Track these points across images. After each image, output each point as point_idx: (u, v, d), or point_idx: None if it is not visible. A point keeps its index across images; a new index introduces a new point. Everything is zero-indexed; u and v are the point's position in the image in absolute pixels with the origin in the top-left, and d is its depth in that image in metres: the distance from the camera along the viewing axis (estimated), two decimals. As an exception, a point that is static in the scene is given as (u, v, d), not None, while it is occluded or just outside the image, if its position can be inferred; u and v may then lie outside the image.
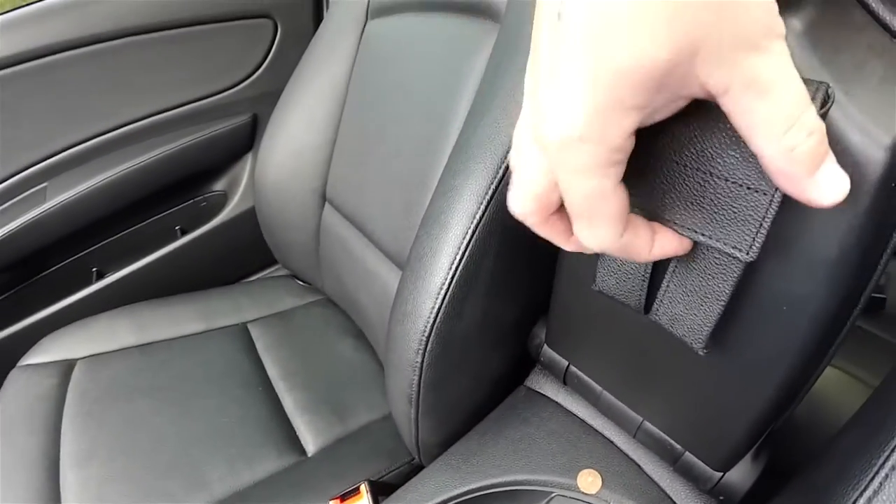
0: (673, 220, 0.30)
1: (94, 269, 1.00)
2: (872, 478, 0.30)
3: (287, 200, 0.88)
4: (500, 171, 0.48)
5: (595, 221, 0.23)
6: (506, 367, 0.61)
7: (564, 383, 0.56)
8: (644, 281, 0.38)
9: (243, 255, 1.06)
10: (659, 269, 0.37)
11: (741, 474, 0.47)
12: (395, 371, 0.53)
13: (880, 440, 0.32)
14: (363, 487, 0.58)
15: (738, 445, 0.45)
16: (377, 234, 0.73)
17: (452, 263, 0.48)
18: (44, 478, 0.69)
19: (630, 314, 0.41)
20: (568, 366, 0.54)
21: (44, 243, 0.92)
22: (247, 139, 1.01)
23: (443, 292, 0.49)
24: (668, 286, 0.36)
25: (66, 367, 0.82)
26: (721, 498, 0.48)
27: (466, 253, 0.48)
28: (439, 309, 0.49)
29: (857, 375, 0.80)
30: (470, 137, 0.51)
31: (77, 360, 0.84)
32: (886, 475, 0.30)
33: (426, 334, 0.49)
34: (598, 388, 0.52)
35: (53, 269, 0.99)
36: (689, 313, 0.36)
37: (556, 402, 0.59)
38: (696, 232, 0.30)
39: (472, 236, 0.48)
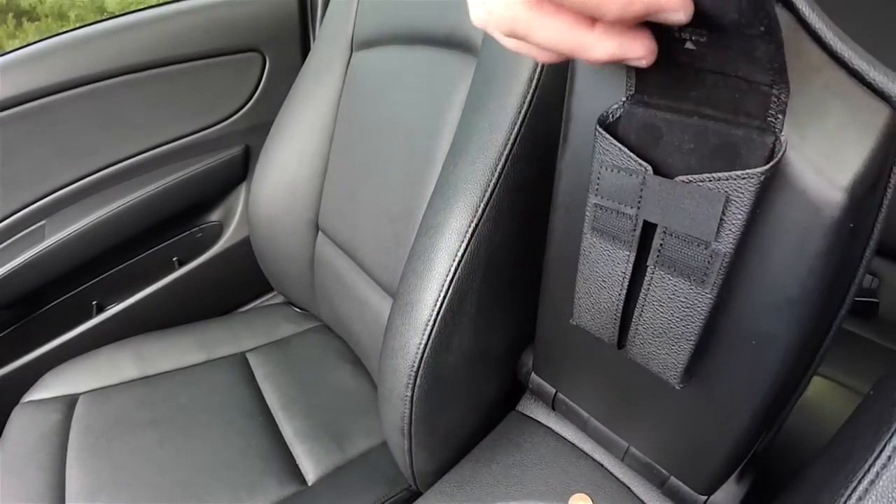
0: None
1: (94, 303, 1.02)
2: None
3: (281, 231, 0.89)
4: (480, 209, 0.50)
5: None
6: (496, 395, 0.62)
7: (553, 409, 0.58)
8: (616, 318, 0.39)
9: (240, 283, 1.08)
10: (631, 307, 0.38)
11: (725, 497, 0.48)
12: (388, 404, 0.55)
13: (847, 471, 0.33)
14: (360, 518, 0.59)
15: (720, 470, 0.46)
16: (368, 265, 0.74)
17: (437, 300, 0.50)
18: (51, 517, 0.70)
19: (609, 346, 0.42)
20: (556, 393, 0.55)
21: (44, 280, 0.94)
22: (240, 170, 1.03)
23: (429, 328, 0.50)
24: (636, 328, 0.37)
25: (70, 403, 0.84)
26: None
27: (450, 289, 0.50)
28: (426, 344, 0.50)
29: (850, 385, 0.81)
30: (449, 175, 0.53)
31: (80, 394, 0.85)
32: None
33: (415, 369, 0.51)
34: (585, 414, 0.53)
35: (54, 304, 1.01)
36: (662, 352, 0.37)
37: (548, 427, 0.60)
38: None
39: (455, 273, 0.49)
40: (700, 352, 0.37)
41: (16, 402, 0.86)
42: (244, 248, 1.01)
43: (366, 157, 0.75)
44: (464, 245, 0.49)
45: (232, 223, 1.05)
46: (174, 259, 1.03)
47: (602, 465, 0.57)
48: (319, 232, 0.87)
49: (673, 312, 0.34)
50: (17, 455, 0.78)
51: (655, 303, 0.35)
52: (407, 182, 0.67)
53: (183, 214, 1.01)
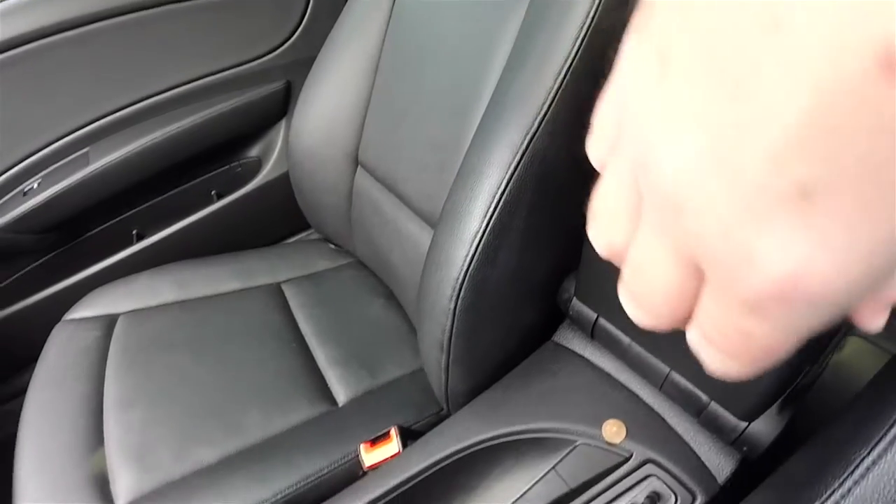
0: None
1: (135, 232, 1.04)
2: (856, 467, 0.31)
3: (320, 165, 0.90)
4: (535, 125, 0.49)
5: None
6: (535, 321, 0.62)
7: (592, 337, 0.58)
8: None
9: (277, 219, 1.09)
10: None
11: (765, 426, 0.48)
12: (429, 318, 0.55)
13: (869, 432, 0.32)
14: (393, 432, 0.60)
15: (763, 395, 0.45)
16: (409, 195, 0.75)
17: (487, 212, 0.50)
18: (89, 421, 0.72)
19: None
20: (597, 318, 0.55)
21: (87, 205, 0.96)
22: (281, 106, 1.03)
23: (477, 240, 0.50)
24: None
25: (109, 322, 0.86)
26: (745, 448, 0.49)
27: (501, 202, 0.50)
28: (473, 256, 0.50)
29: (885, 346, 0.80)
30: (505, 93, 0.52)
31: (119, 314, 0.87)
32: (874, 461, 0.31)
33: (460, 281, 0.51)
34: (625, 339, 0.53)
35: (95, 231, 1.03)
36: None
37: (584, 357, 0.60)
38: None
39: (507, 186, 0.49)
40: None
41: (57, 321, 0.88)
42: (282, 185, 1.02)
43: (412, 88, 0.75)
44: (517, 158, 0.49)
45: (271, 159, 1.05)
46: (213, 192, 1.05)
47: (637, 396, 0.57)
48: (359, 166, 0.87)
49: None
50: (57, 367, 0.81)
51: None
52: (454, 111, 0.67)
53: (222, 148, 1.02)
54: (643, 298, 0.15)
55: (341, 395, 0.74)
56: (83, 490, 0.66)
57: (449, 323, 0.53)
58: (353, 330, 0.83)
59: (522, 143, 0.49)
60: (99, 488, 0.66)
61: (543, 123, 0.49)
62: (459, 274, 0.51)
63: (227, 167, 1.05)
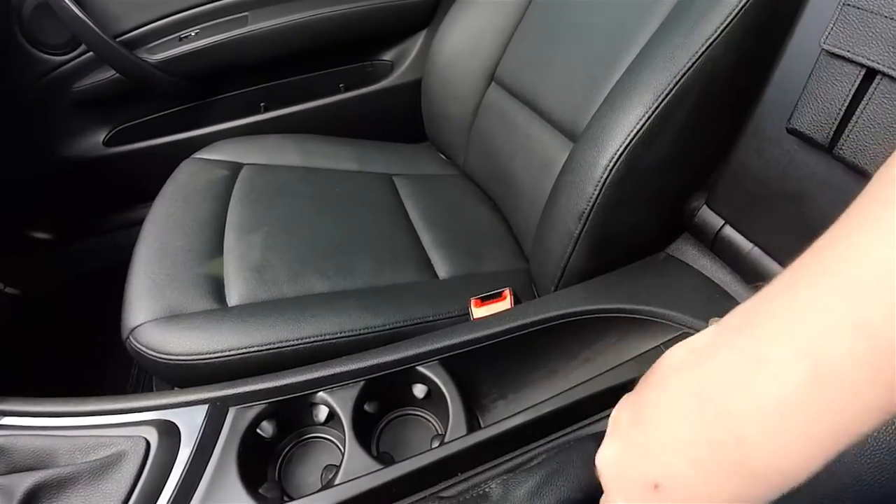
0: None
1: (262, 104, 1.11)
2: None
3: (456, 75, 0.96)
4: (716, 33, 0.53)
5: None
6: (656, 226, 0.67)
7: (712, 247, 0.62)
8: (839, 113, 0.43)
9: (395, 124, 1.15)
10: (851, 106, 0.43)
11: None
12: (574, 188, 0.60)
13: None
14: (507, 291, 0.65)
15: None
16: (548, 108, 0.80)
17: (660, 96, 0.54)
18: (210, 235, 0.79)
19: (807, 165, 0.47)
20: (722, 226, 0.60)
21: (232, 63, 1.03)
22: (425, 16, 1.09)
23: (642, 122, 0.55)
24: (857, 120, 0.41)
25: (235, 167, 0.93)
26: None
27: (671, 94, 0.55)
28: (636, 134, 0.55)
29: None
30: (683, 13, 0.57)
31: (245, 164, 0.94)
32: None
33: (618, 153, 0.56)
34: (747, 245, 0.57)
35: (228, 94, 1.10)
36: (874, 143, 0.42)
37: (696, 269, 0.65)
38: None
39: (678, 81, 0.54)
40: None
41: (176, 166, 0.93)
42: (407, 92, 1.08)
43: (573, 8, 0.80)
44: (693, 58, 0.54)
45: (403, 65, 1.12)
46: (341, 85, 1.11)
47: (740, 309, 0.61)
48: (493, 83, 0.93)
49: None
50: (186, 187, 0.87)
51: (880, 98, 0.39)
52: (617, 31, 0.72)
53: (361, 44, 1.09)
54: None
55: (443, 272, 0.79)
56: (199, 285, 0.71)
57: (596, 193, 0.57)
58: (457, 224, 0.88)
59: (701, 47, 0.53)
60: (214, 287, 0.72)
61: (722, 35, 0.53)
62: (620, 147, 0.56)
63: (359, 64, 1.12)
